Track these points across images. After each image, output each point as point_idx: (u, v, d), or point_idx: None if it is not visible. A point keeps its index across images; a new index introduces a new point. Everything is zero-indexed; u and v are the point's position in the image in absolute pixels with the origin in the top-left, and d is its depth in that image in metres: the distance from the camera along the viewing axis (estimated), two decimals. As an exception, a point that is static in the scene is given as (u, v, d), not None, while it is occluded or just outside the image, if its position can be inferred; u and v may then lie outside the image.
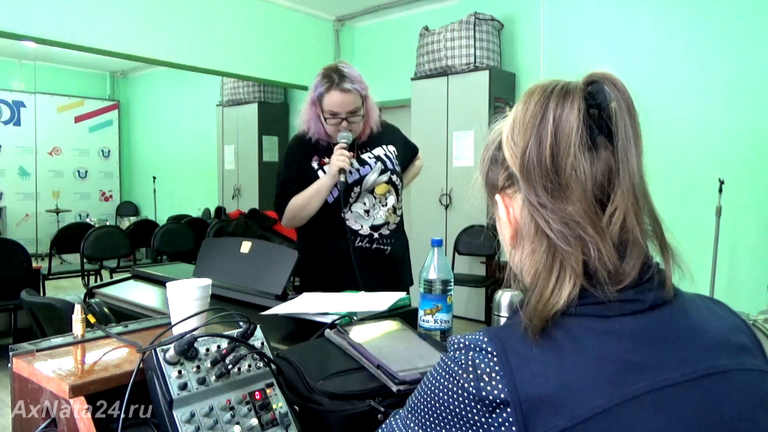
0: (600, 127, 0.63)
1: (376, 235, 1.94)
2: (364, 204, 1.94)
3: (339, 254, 1.88)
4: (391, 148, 2.02)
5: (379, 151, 1.98)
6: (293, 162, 1.94)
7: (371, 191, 1.94)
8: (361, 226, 1.93)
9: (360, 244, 1.93)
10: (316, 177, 1.90)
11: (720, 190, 3.63)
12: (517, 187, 0.66)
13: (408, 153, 2.11)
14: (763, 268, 3.70)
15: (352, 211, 1.93)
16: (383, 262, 1.96)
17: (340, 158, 1.82)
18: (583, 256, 0.60)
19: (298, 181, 1.90)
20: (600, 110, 0.63)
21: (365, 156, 1.95)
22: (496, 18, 4.78)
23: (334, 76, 1.82)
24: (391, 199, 1.97)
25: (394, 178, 1.98)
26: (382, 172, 1.95)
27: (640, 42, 4.19)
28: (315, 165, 1.93)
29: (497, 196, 0.72)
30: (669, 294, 0.63)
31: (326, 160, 1.91)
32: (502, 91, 4.67)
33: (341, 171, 1.81)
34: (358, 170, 1.91)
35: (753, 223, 3.77)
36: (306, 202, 1.87)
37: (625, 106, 0.63)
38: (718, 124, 3.87)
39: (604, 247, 0.60)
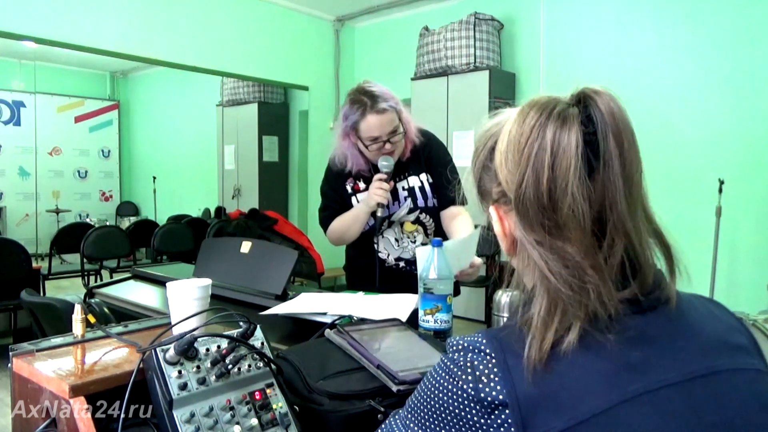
0: (597, 155, 0.60)
1: (402, 263, 1.90)
2: (394, 232, 1.90)
3: (368, 267, 1.88)
4: (429, 177, 1.88)
5: (414, 181, 1.88)
6: (331, 183, 1.93)
7: (400, 224, 1.89)
8: (388, 255, 1.90)
9: (389, 265, 1.91)
10: (350, 199, 1.89)
11: (720, 190, 3.63)
12: (511, 206, 0.65)
13: (447, 183, 1.83)
14: (763, 268, 3.70)
15: (384, 237, 1.90)
16: (413, 282, 1.88)
17: (378, 192, 1.75)
18: (584, 300, 0.58)
19: (335, 199, 1.91)
20: (596, 135, 0.61)
21: (399, 186, 1.87)
22: (496, 18, 4.78)
23: (364, 99, 1.72)
24: (420, 238, 1.89)
25: (423, 216, 1.88)
26: (410, 211, 1.87)
27: (640, 42, 4.19)
28: (349, 188, 1.90)
29: (491, 208, 0.71)
30: (668, 296, 0.63)
31: (360, 184, 1.88)
32: (502, 91, 4.66)
33: (379, 205, 1.76)
34: (387, 207, 1.84)
35: (753, 223, 3.77)
36: (346, 227, 1.87)
37: (610, 134, 0.60)
38: (718, 124, 3.87)
39: (604, 289, 0.58)
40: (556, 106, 0.62)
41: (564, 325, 0.58)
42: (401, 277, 1.88)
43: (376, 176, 1.78)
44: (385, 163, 1.77)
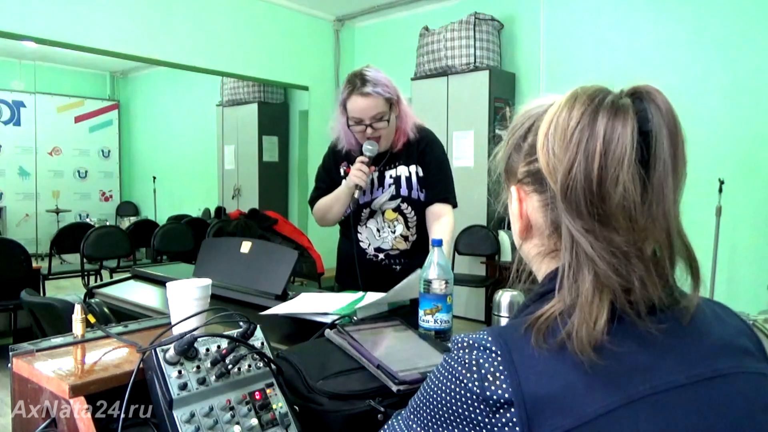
0: (648, 150, 0.60)
1: (381, 255, 1.92)
2: (376, 222, 1.92)
3: (352, 259, 1.91)
4: (420, 170, 1.88)
5: (402, 170, 1.88)
6: (326, 164, 1.99)
7: (382, 213, 1.91)
8: (369, 245, 1.93)
9: (370, 257, 1.93)
10: (342, 182, 1.90)
11: (720, 190, 3.63)
12: (535, 188, 0.66)
13: (437, 178, 1.88)
14: (763, 268, 3.70)
15: (366, 227, 1.92)
16: (391, 278, 1.87)
17: (357, 173, 1.78)
18: (631, 287, 0.58)
19: (326, 180, 1.96)
20: (650, 130, 0.60)
21: (388, 173, 1.89)
22: (496, 18, 4.78)
23: (356, 81, 1.77)
24: (399, 228, 1.90)
25: (404, 206, 1.88)
26: (392, 198, 1.88)
27: (640, 42, 4.19)
28: (342, 172, 1.92)
29: (513, 188, 0.70)
30: (688, 304, 0.63)
31: (352, 168, 1.90)
32: (502, 91, 4.67)
33: (357, 187, 1.79)
34: (370, 191, 1.86)
35: (753, 223, 3.77)
36: (328, 207, 1.91)
37: (666, 132, 0.60)
38: (718, 124, 3.87)
39: (648, 280, 0.58)
40: (606, 95, 0.61)
41: (609, 311, 0.58)
42: (382, 273, 1.90)
43: (358, 158, 1.82)
44: (370, 147, 1.80)
